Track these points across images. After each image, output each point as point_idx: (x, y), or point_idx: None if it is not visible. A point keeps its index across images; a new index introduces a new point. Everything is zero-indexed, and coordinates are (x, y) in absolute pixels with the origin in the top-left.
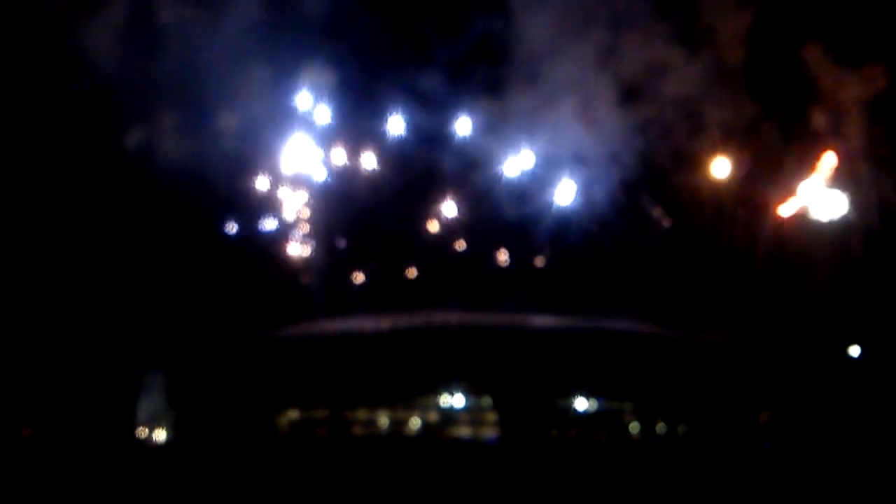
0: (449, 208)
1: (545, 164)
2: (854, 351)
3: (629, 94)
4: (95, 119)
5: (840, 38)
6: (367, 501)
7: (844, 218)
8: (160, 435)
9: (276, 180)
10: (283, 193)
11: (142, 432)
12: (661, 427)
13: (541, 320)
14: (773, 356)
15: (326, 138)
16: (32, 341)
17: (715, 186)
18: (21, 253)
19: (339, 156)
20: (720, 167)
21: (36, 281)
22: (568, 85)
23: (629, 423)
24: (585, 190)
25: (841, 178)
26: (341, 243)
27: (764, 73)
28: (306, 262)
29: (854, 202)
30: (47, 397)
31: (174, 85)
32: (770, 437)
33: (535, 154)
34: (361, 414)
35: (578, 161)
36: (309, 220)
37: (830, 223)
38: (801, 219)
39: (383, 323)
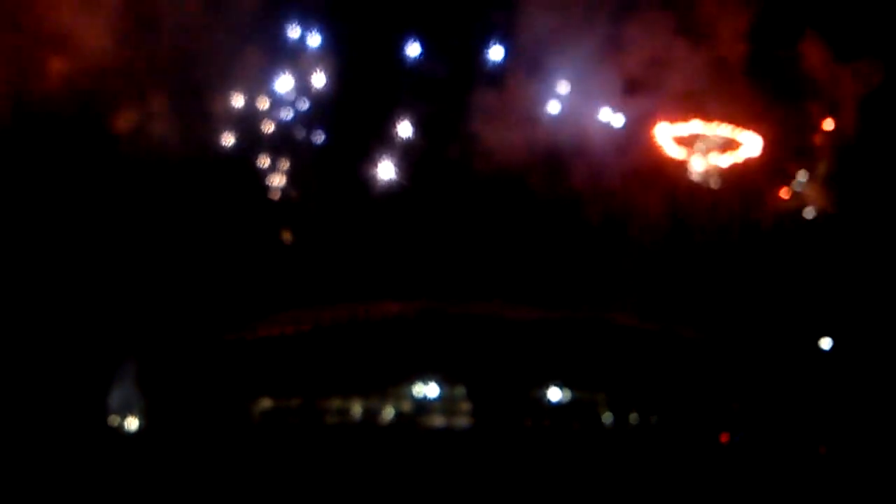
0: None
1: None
2: (825, 343)
3: None
4: None
5: None
6: (341, 489)
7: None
8: (132, 423)
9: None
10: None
11: (114, 420)
12: (633, 417)
13: (515, 310)
14: (745, 348)
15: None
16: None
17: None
18: None
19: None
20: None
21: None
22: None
23: (602, 413)
24: None
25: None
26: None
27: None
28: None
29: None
30: (16, 385)
31: None
32: (742, 428)
33: None
34: (335, 403)
35: None
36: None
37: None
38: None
39: (357, 312)
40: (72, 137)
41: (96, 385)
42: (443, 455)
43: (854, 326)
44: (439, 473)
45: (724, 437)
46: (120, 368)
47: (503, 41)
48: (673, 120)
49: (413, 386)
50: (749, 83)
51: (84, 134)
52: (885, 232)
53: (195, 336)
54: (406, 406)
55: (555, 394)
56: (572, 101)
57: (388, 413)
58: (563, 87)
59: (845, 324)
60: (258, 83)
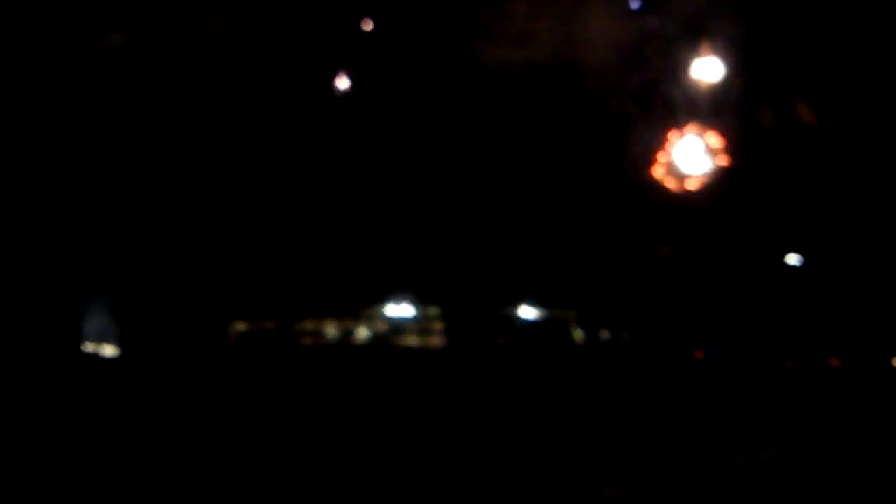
0: None
1: None
2: (793, 259)
3: None
4: None
5: None
6: (317, 410)
7: None
8: (107, 351)
9: None
10: None
11: (89, 347)
12: (604, 335)
13: (486, 230)
14: (714, 265)
15: None
16: None
17: None
18: None
19: None
20: None
21: None
22: None
23: (573, 330)
24: None
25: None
26: None
27: None
28: None
29: None
30: None
31: None
32: (713, 344)
33: None
34: (309, 325)
35: None
36: None
37: None
38: None
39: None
40: None
41: (71, 313)
42: (417, 375)
43: (820, 243)
44: (414, 393)
45: (697, 354)
46: (94, 296)
47: None
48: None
49: (387, 307)
50: None
51: None
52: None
53: (170, 263)
54: (380, 327)
55: (527, 312)
56: None
57: (363, 334)
58: None
59: (812, 240)
60: None
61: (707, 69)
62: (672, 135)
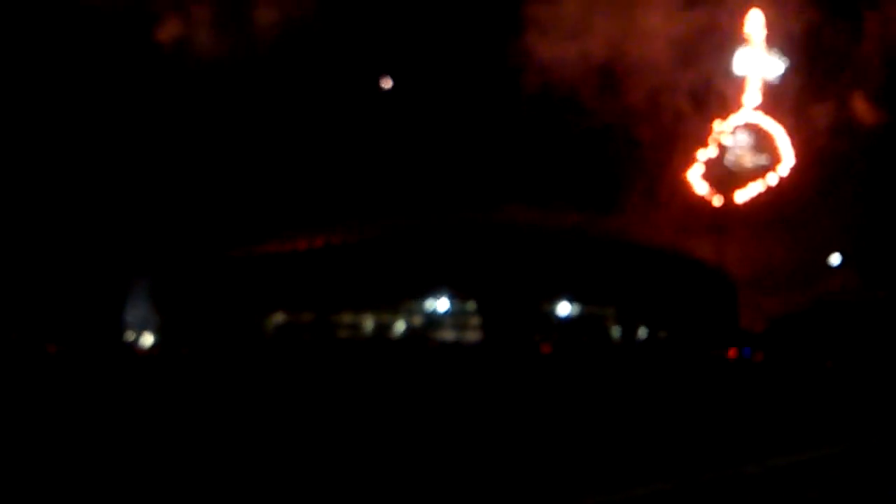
0: None
1: None
2: (835, 259)
3: None
4: None
5: None
6: (353, 402)
7: None
8: (147, 340)
9: None
10: None
11: (129, 336)
12: (642, 332)
13: (526, 224)
14: (753, 265)
15: None
16: (22, 250)
17: None
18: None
19: None
20: None
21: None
22: None
23: (610, 327)
24: None
25: None
26: None
27: None
28: None
29: None
30: (38, 305)
31: None
32: (750, 343)
33: None
34: (346, 317)
35: None
36: None
37: None
38: None
39: (369, 228)
40: None
41: (112, 303)
42: (453, 369)
43: (863, 243)
44: (449, 387)
45: (731, 353)
46: (135, 286)
47: None
48: None
49: (424, 301)
50: None
51: None
52: None
53: (209, 252)
54: (417, 321)
55: (564, 308)
56: None
57: (399, 327)
58: None
59: (853, 238)
60: None
61: (762, 65)
62: (722, 132)
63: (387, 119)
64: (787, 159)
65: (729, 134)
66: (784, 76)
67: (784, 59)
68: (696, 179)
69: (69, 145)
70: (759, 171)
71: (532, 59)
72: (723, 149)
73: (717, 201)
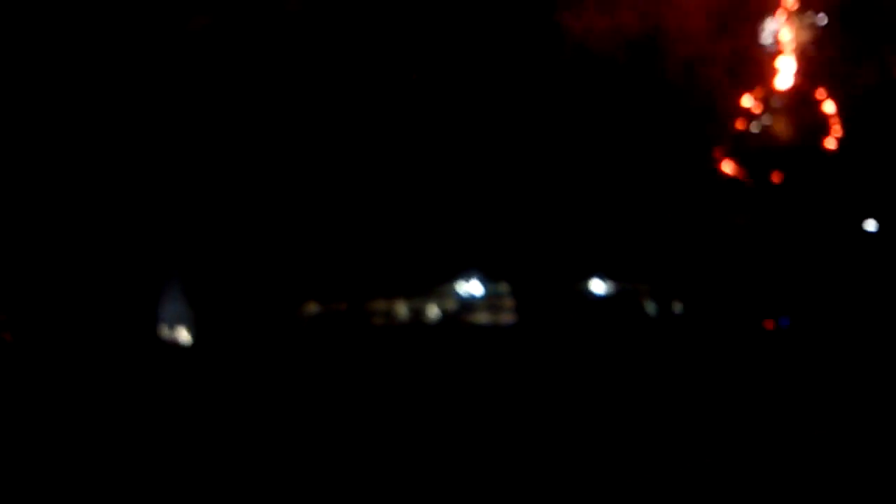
0: None
1: None
2: (870, 225)
3: None
4: None
5: None
6: (389, 387)
7: None
8: (182, 335)
9: None
10: None
11: (164, 331)
12: (677, 307)
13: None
14: (791, 233)
15: None
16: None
17: None
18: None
19: None
20: None
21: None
22: None
23: (645, 303)
24: None
25: None
26: None
27: None
28: None
29: None
30: (70, 298)
31: None
32: (788, 314)
33: None
34: (380, 305)
35: None
36: None
37: None
38: None
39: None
40: None
41: (146, 298)
42: (488, 352)
43: None
44: (485, 371)
45: (768, 324)
46: (168, 281)
47: None
48: None
49: (457, 285)
50: None
51: None
52: None
53: (242, 247)
54: (450, 305)
55: (598, 286)
56: None
57: (433, 312)
58: None
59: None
60: None
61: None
62: (758, 104)
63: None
64: (831, 131)
65: (761, 105)
66: (821, 42)
67: (820, 21)
68: (727, 156)
69: (105, 144)
70: (798, 145)
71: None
72: (756, 122)
73: (750, 179)
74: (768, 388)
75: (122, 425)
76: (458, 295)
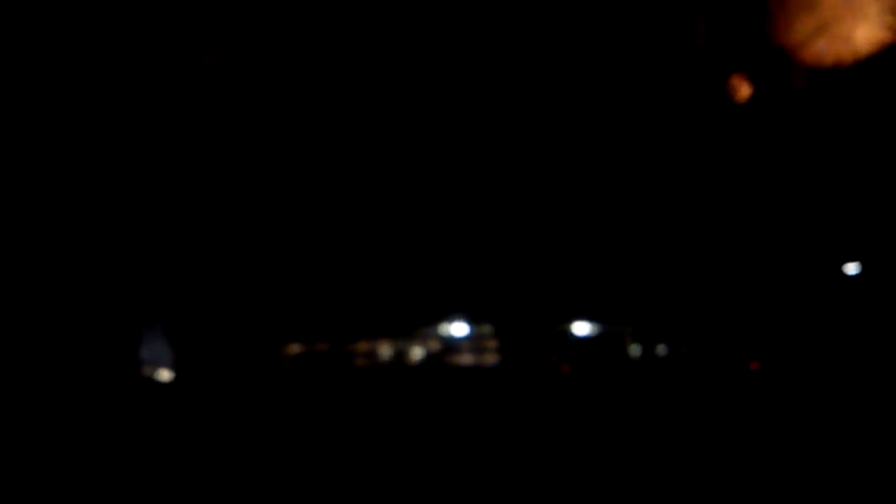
0: None
1: None
2: (851, 269)
3: None
4: None
5: None
6: (372, 429)
7: None
8: (164, 375)
9: None
10: None
11: (146, 372)
12: (661, 349)
13: (536, 245)
14: (773, 277)
15: None
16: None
17: None
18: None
19: None
20: None
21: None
22: None
23: (629, 345)
24: None
25: None
26: None
27: None
28: None
29: None
30: (49, 341)
31: None
32: (772, 358)
33: None
34: (362, 346)
35: None
36: None
37: None
38: None
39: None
40: None
41: (127, 338)
42: (472, 393)
43: (884, 253)
44: (469, 411)
45: (753, 366)
46: (148, 323)
47: None
48: None
49: (440, 326)
50: None
51: None
52: None
53: (223, 288)
54: (434, 346)
55: (581, 328)
56: None
57: (417, 354)
58: None
59: (874, 250)
60: None
61: None
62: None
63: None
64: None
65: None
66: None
67: None
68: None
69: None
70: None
71: None
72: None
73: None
74: (755, 430)
75: (102, 464)
76: (441, 336)
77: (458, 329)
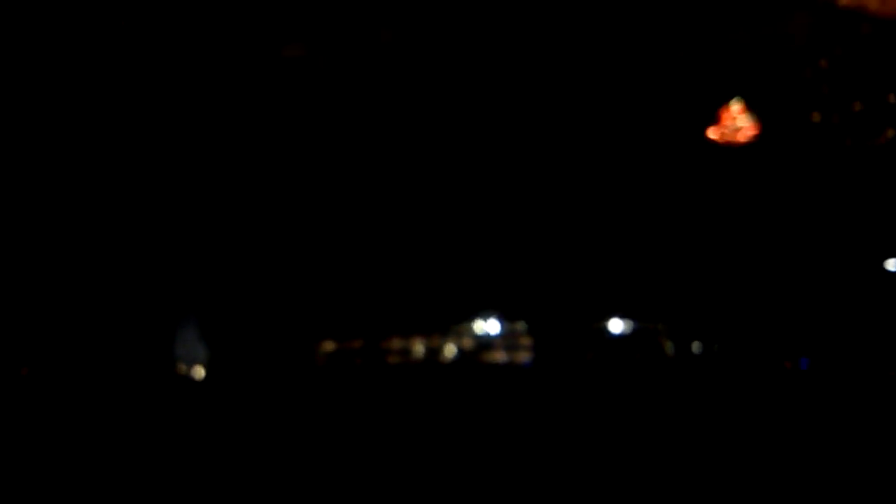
0: None
1: None
2: (892, 265)
3: None
4: None
5: None
6: (405, 427)
7: None
8: (199, 372)
9: None
10: None
11: (181, 369)
12: (696, 346)
13: (572, 242)
14: (809, 272)
15: None
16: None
17: None
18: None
19: None
20: None
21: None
22: None
23: (664, 343)
24: None
25: None
26: None
27: None
28: None
29: None
30: (88, 338)
31: None
32: (807, 355)
33: None
34: (396, 343)
35: None
36: None
37: None
38: None
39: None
40: None
41: (162, 336)
42: (505, 391)
43: None
44: (502, 409)
45: (787, 364)
46: (183, 319)
47: None
48: None
49: (474, 323)
50: None
51: None
52: None
53: (258, 286)
54: (468, 344)
55: (616, 325)
56: None
57: (450, 351)
58: None
59: None
60: None
61: None
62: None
63: None
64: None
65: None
66: None
67: None
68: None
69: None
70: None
71: None
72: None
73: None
74: (786, 428)
75: (134, 460)
76: (475, 334)
77: (492, 327)
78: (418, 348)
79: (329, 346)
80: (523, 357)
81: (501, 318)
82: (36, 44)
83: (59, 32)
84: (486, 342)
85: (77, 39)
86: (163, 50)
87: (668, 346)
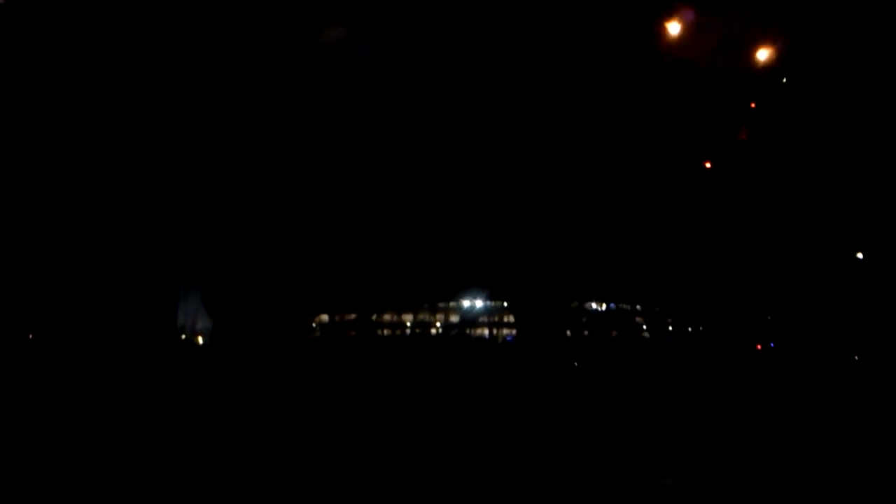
0: None
1: None
2: (859, 254)
3: None
4: None
5: None
6: (395, 395)
7: None
8: (200, 340)
9: None
10: None
11: (185, 337)
12: (671, 326)
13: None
14: (780, 258)
15: None
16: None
17: None
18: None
19: None
20: None
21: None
22: None
23: (640, 323)
24: None
25: None
26: None
27: None
28: None
29: None
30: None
31: None
32: (775, 337)
33: None
34: (388, 317)
35: None
36: None
37: None
38: None
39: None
40: None
41: (167, 307)
42: (489, 363)
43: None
44: (485, 380)
45: (757, 346)
46: (186, 290)
47: None
48: None
49: (461, 300)
50: None
51: None
52: None
53: (259, 261)
54: (454, 319)
55: (594, 305)
56: None
57: (438, 324)
58: None
59: (880, 238)
60: None
61: None
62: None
63: None
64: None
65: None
66: None
67: None
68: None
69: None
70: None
71: None
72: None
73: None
74: (757, 403)
75: (139, 427)
76: (462, 309)
77: (477, 304)
78: (408, 321)
79: (324, 318)
80: (506, 332)
81: (486, 296)
82: (36, 44)
83: (73, 35)
84: (471, 318)
85: (77, 39)
86: (167, 43)
87: (644, 326)
